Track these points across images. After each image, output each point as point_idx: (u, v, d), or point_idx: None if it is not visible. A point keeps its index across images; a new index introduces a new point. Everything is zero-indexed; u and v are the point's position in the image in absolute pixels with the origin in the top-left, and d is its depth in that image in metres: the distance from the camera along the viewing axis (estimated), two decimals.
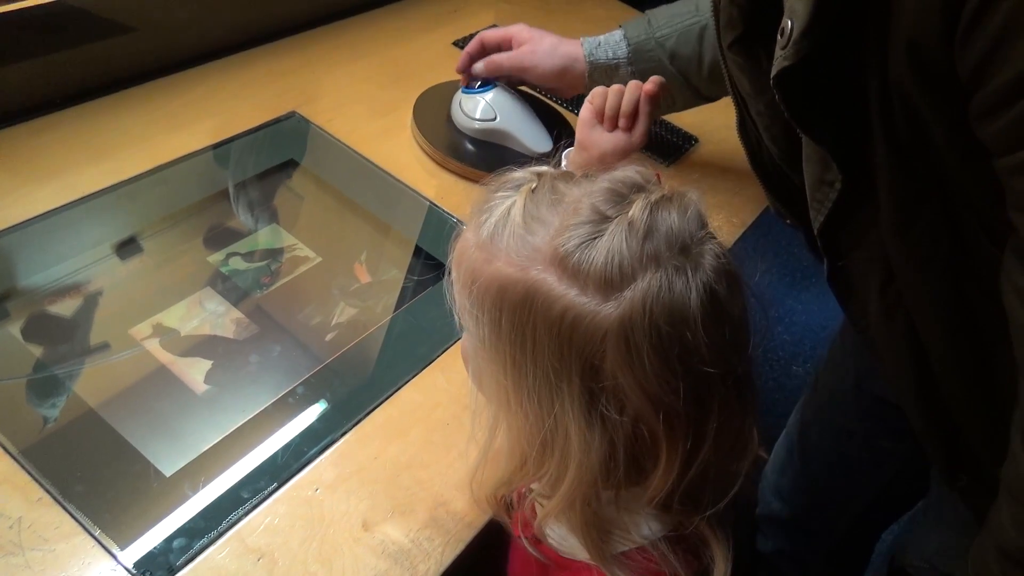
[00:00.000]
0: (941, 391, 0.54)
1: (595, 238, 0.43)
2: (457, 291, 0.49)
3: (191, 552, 0.54)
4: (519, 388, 0.46)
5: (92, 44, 0.83)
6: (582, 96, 1.02)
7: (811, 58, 0.47)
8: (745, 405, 0.47)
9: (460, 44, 1.07)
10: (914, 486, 0.82)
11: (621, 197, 0.45)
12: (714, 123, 1.02)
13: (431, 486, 0.60)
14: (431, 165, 0.88)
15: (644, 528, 0.49)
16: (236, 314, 0.71)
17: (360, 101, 0.93)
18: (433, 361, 0.69)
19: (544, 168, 0.49)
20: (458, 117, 0.90)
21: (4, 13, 0.75)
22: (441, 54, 1.05)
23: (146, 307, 0.70)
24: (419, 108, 0.91)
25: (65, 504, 0.54)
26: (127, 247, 0.75)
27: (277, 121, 0.88)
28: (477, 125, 0.88)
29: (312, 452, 0.61)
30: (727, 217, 0.92)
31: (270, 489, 0.58)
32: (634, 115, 0.76)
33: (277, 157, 0.86)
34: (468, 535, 0.58)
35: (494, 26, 1.11)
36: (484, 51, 0.88)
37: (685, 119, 1.02)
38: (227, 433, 0.61)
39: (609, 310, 0.42)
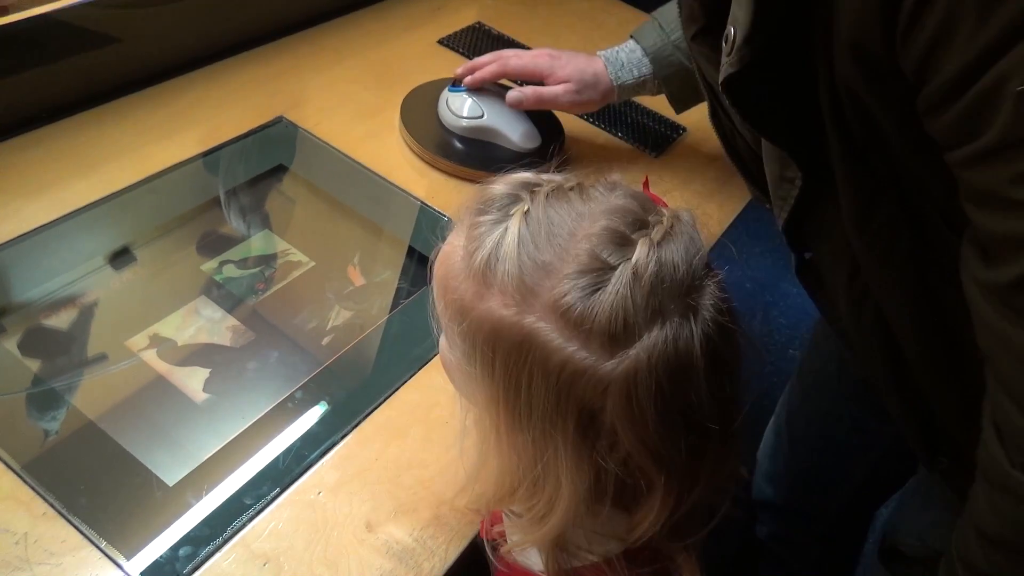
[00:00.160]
0: (915, 379, 0.55)
1: (597, 290, 0.41)
2: (444, 320, 0.47)
3: (197, 560, 0.54)
4: (511, 429, 0.45)
5: (75, 57, 0.83)
6: None
7: (755, 63, 0.47)
8: (735, 445, 0.47)
9: (445, 42, 1.07)
10: (904, 464, 0.83)
11: (622, 239, 0.43)
12: (701, 112, 1.02)
13: (432, 485, 0.61)
14: (420, 165, 0.88)
15: (604, 546, 0.49)
16: (232, 321, 0.72)
17: (347, 103, 0.93)
18: (430, 361, 0.69)
19: (534, 179, 0.47)
20: (445, 116, 0.90)
21: None
22: (426, 53, 1.05)
23: (142, 318, 0.70)
24: (406, 108, 0.91)
25: (70, 518, 0.54)
26: (120, 258, 0.75)
27: (265, 127, 0.88)
28: (465, 123, 0.89)
29: (313, 456, 0.61)
30: (719, 204, 0.92)
31: (273, 494, 0.58)
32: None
33: (266, 163, 0.86)
34: (471, 531, 0.59)
35: (479, 24, 1.12)
36: (507, 76, 0.88)
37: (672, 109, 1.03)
38: (228, 440, 0.61)
39: (612, 366, 0.41)
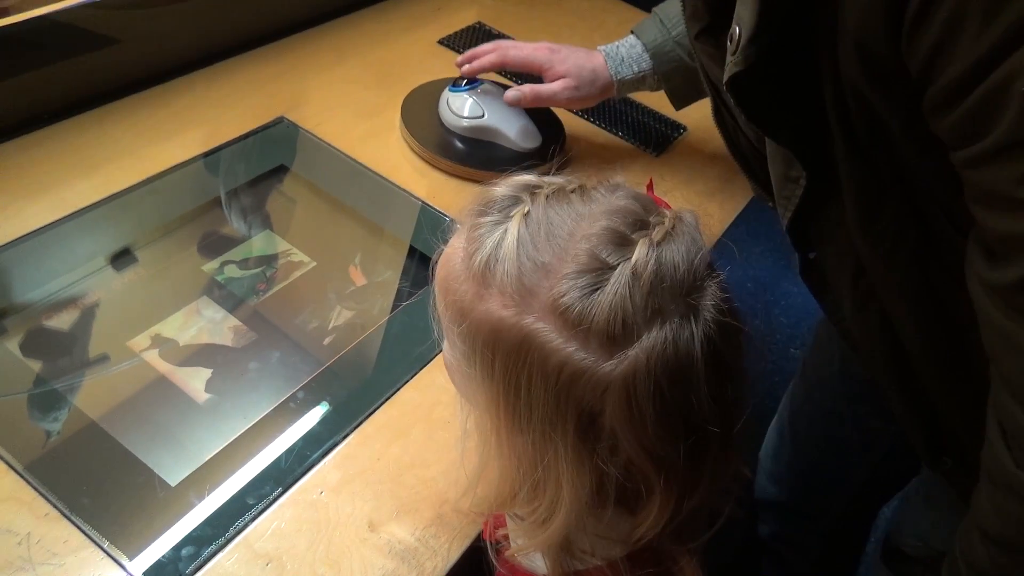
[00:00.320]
0: (919, 379, 0.54)
1: (596, 290, 0.41)
2: (444, 321, 0.47)
3: (200, 560, 0.54)
4: (512, 431, 0.45)
5: (76, 58, 0.83)
6: None
7: (761, 62, 0.47)
8: (738, 448, 0.47)
9: (445, 42, 1.07)
10: (907, 464, 0.83)
11: (622, 239, 0.42)
12: (702, 110, 1.02)
13: (435, 484, 0.61)
14: (421, 165, 0.88)
15: (607, 549, 0.48)
16: (233, 322, 0.72)
17: (347, 104, 0.93)
18: (431, 360, 0.69)
19: (536, 181, 0.47)
20: (446, 116, 0.90)
21: None
22: (426, 53, 1.05)
23: (143, 318, 0.70)
24: (407, 108, 0.92)
25: (72, 518, 0.54)
26: (122, 259, 0.75)
27: (266, 127, 0.88)
28: (465, 123, 0.89)
29: (315, 456, 0.61)
30: (720, 203, 0.92)
31: (275, 494, 0.58)
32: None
33: (267, 163, 0.86)
34: (474, 531, 0.59)
35: (479, 24, 1.12)
36: (506, 67, 0.87)
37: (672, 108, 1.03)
38: (230, 441, 0.61)
39: (611, 367, 0.41)
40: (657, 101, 1.03)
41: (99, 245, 0.74)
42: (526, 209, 0.44)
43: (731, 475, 0.48)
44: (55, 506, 0.54)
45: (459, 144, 0.89)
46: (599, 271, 0.41)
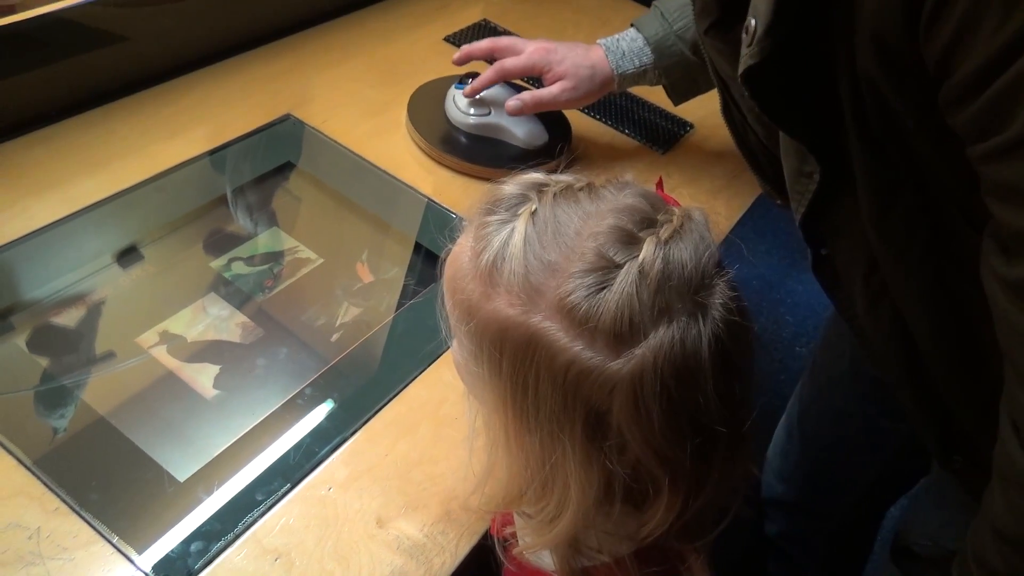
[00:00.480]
0: (931, 376, 0.54)
1: (603, 288, 0.40)
2: (452, 320, 0.47)
3: (209, 555, 0.54)
4: (519, 430, 0.45)
5: (82, 55, 0.83)
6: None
7: (776, 55, 0.47)
8: (746, 447, 0.47)
9: (451, 40, 1.07)
10: (915, 464, 0.83)
11: (629, 237, 0.42)
12: (708, 108, 1.02)
13: (442, 481, 0.61)
14: (427, 162, 0.88)
15: (615, 546, 0.48)
16: (241, 318, 0.72)
17: (354, 101, 0.93)
18: (439, 357, 0.69)
19: (544, 179, 0.47)
20: (452, 113, 0.90)
21: None
22: (432, 50, 1.05)
23: (151, 315, 0.70)
24: (413, 105, 0.91)
25: (82, 513, 0.54)
26: (128, 256, 0.75)
27: (272, 124, 0.88)
28: (472, 120, 0.88)
29: (323, 452, 0.61)
30: (726, 201, 0.92)
31: (284, 490, 0.58)
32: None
33: (274, 160, 0.86)
34: (482, 527, 0.59)
35: (485, 21, 1.12)
36: (506, 77, 0.87)
37: (679, 105, 1.03)
38: (238, 436, 0.61)
39: (618, 366, 0.40)
40: (664, 99, 1.03)
41: (106, 242, 0.74)
42: (533, 208, 0.44)
43: (740, 474, 0.48)
44: (65, 501, 0.54)
45: (465, 141, 0.89)
46: (606, 270, 0.41)
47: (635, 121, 1.00)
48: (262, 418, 0.63)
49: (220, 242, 0.78)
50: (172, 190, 0.79)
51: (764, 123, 0.59)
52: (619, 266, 0.41)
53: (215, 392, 0.66)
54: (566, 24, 1.16)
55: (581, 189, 0.46)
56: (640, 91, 1.03)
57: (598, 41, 0.86)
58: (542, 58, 0.85)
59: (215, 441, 0.61)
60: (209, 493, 0.57)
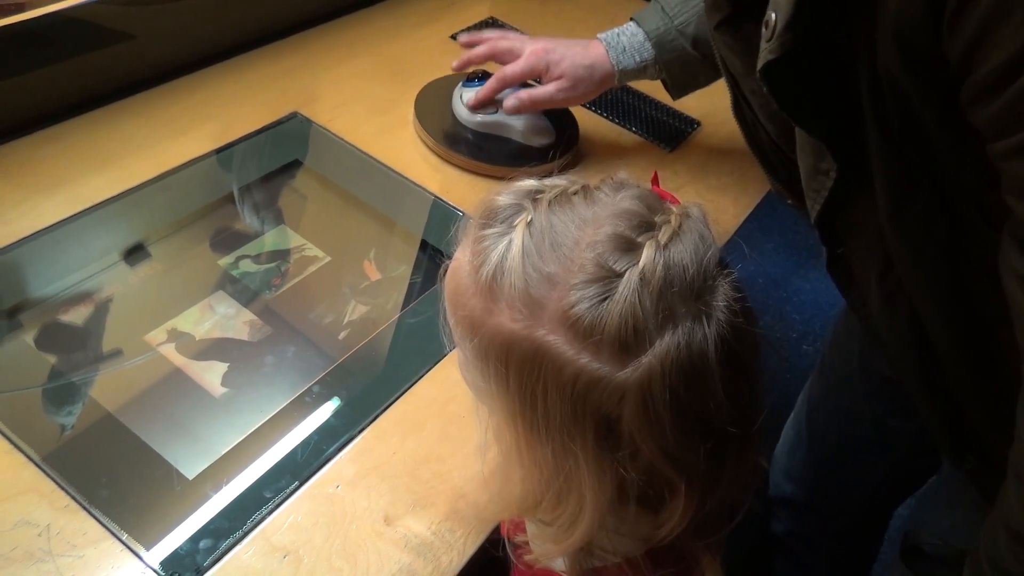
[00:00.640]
0: (945, 375, 0.54)
1: (605, 299, 0.40)
2: (456, 335, 0.47)
3: (218, 552, 0.54)
4: (531, 442, 0.44)
5: (91, 54, 0.83)
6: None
7: (796, 50, 0.46)
8: (756, 444, 0.46)
9: (457, 37, 1.07)
10: (925, 463, 0.82)
11: (628, 244, 0.42)
12: (716, 106, 1.02)
13: (450, 479, 0.61)
14: (434, 160, 0.88)
15: (627, 547, 0.48)
16: (249, 316, 0.72)
17: (361, 99, 0.93)
18: (446, 355, 0.69)
19: (538, 186, 0.46)
20: (459, 111, 0.90)
21: (0, 27, 0.75)
22: (439, 48, 1.04)
23: (159, 312, 0.70)
24: (420, 103, 0.91)
25: (91, 510, 0.54)
26: (136, 254, 0.75)
27: (279, 123, 0.88)
28: (479, 118, 0.88)
29: (331, 450, 0.61)
30: (733, 199, 0.92)
31: (292, 488, 0.58)
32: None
33: (281, 158, 0.86)
34: (489, 525, 0.59)
35: (492, 19, 1.12)
36: (507, 85, 0.87)
37: (686, 103, 1.02)
38: (246, 434, 0.62)
39: (626, 375, 0.40)
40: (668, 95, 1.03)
41: (114, 240, 0.75)
42: (529, 218, 0.44)
43: (750, 469, 0.48)
44: (74, 498, 0.55)
45: (472, 139, 0.89)
46: (607, 279, 0.41)
47: (642, 119, 0.99)
48: (270, 416, 0.63)
49: (227, 240, 0.78)
50: (179, 188, 0.79)
51: (775, 120, 0.58)
52: (620, 275, 0.41)
53: (223, 390, 0.66)
54: (572, 22, 1.16)
55: (576, 193, 0.45)
56: (647, 89, 1.02)
57: (598, 36, 0.86)
58: (540, 59, 0.85)
59: (223, 438, 0.61)
60: (218, 491, 0.58)
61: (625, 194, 0.45)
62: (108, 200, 0.75)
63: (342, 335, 0.73)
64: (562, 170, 0.89)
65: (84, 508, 0.54)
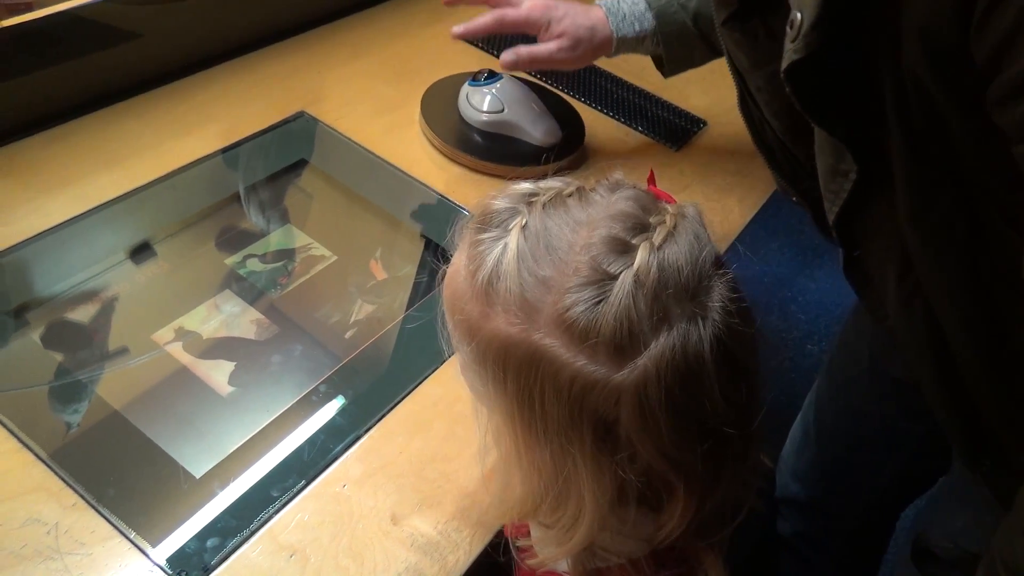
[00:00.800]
0: (962, 378, 0.53)
1: (600, 302, 0.40)
2: (454, 340, 0.47)
3: (225, 551, 0.54)
4: (529, 445, 0.45)
5: (97, 53, 0.83)
6: (586, 82, 1.03)
7: (822, 50, 0.46)
8: (756, 443, 0.46)
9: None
10: (933, 465, 0.82)
11: (622, 246, 0.42)
12: (722, 105, 1.02)
13: (456, 478, 0.61)
14: (440, 159, 0.88)
15: (630, 548, 0.48)
16: (255, 315, 0.72)
17: (367, 98, 0.94)
18: (453, 355, 0.69)
19: (533, 189, 0.46)
20: (466, 110, 0.90)
21: (8, 27, 0.75)
22: (445, 47, 1.04)
23: (166, 311, 0.70)
24: (426, 103, 0.91)
25: (99, 508, 0.54)
26: (142, 253, 0.75)
27: (285, 122, 0.88)
28: (485, 117, 0.88)
29: (338, 449, 0.61)
30: (739, 198, 0.92)
31: (299, 487, 0.59)
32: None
33: (287, 158, 0.86)
34: (495, 525, 0.59)
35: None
36: (502, 30, 0.84)
37: (693, 102, 1.02)
38: (253, 433, 0.62)
39: (622, 377, 0.40)
40: (678, 95, 1.03)
41: (120, 239, 0.75)
42: (524, 221, 0.44)
43: (750, 468, 0.47)
44: (82, 496, 0.55)
45: (478, 139, 0.89)
46: (601, 282, 0.41)
47: (648, 118, 0.99)
48: (277, 415, 0.63)
49: (234, 239, 0.78)
50: (186, 187, 0.80)
51: (781, 117, 0.58)
52: (614, 277, 0.41)
53: (230, 388, 0.66)
54: None
55: (571, 195, 0.45)
56: (653, 88, 1.02)
57: (597, 1, 0.84)
58: (542, 14, 0.82)
59: (230, 437, 0.61)
60: (225, 489, 0.58)
61: (620, 195, 0.45)
62: (115, 199, 0.76)
63: (348, 334, 0.73)
64: (568, 169, 0.89)
65: (92, 506, 0.54)
